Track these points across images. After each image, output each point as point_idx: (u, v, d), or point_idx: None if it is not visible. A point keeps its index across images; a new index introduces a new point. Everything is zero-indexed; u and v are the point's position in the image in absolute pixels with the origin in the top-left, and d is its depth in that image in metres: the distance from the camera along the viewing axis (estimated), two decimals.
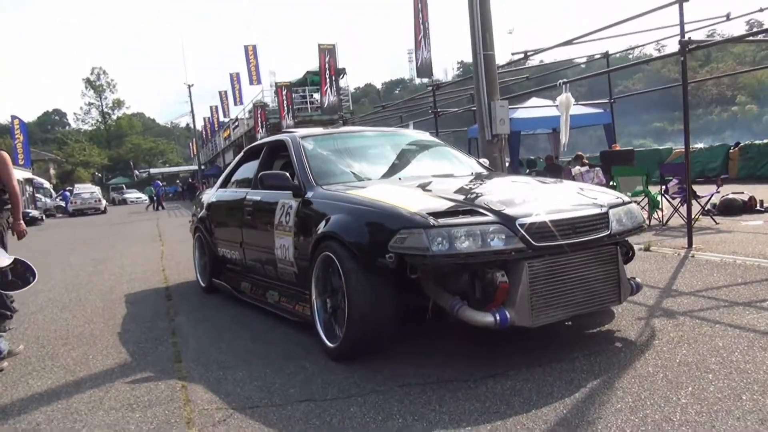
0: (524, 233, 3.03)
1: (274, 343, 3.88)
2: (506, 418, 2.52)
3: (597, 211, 3.33)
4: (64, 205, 35.02)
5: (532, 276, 3.03)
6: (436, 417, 2.57)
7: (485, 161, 5.31)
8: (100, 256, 10.21)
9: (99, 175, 62.01)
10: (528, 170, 12.47)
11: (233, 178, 5.83)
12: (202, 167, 48.07)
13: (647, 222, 8.53)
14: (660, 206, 8.57)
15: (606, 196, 3.67)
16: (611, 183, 9.02)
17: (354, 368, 3.25)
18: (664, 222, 8.41)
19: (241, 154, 5.87)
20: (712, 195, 8.57)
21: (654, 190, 8.86)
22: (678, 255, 6.09)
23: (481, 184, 3.98)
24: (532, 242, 3.03)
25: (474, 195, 3.42)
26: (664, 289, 4.63)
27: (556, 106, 10.51)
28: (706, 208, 8.40)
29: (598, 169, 8.10)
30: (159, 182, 36.06)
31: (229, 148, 38.98)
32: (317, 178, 4.14)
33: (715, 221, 8.16)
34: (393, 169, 4.46)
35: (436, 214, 3.07)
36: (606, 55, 12.28)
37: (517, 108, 12.60)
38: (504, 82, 12.26)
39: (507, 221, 3.06)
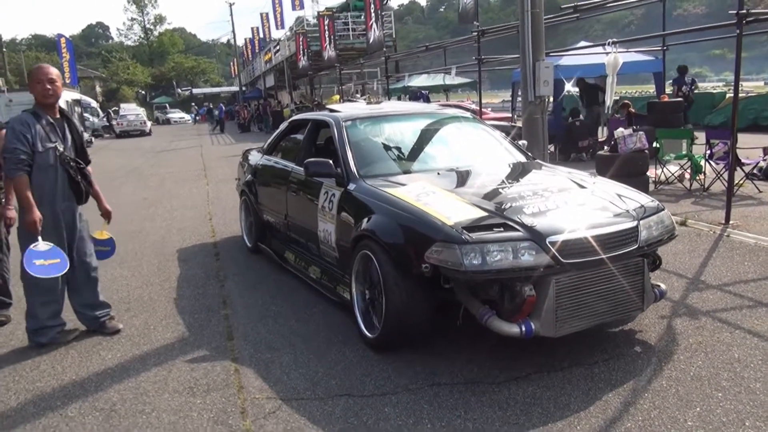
0: (553, 250, 3.20)
1: (316, 324, 4.22)
2: (524, 430, 2.80)
3: (627, 226, 3.46)
4: (110, 125, 35.96)
5: (558, 290, 3.23)
6: (462, 424, 2.88)
7: (524, 143, 5.39)
8: (150, 196, 10.73)
9: (143, 93, 62.81)
10: (571, 118, 12.26)
11: (279, 146, 6.05)
12: (243, 89, 48.23)
13: (689, 185, 8.51)
14: (703, 171, 8.47)
15: (639, 200, 3.77)
16: (654, 145, 8.91)
17: (389, 360, 3.57)
18: (706, 187, 8.34)
19: (287, 124, 6.06)
20: (757, 163, 8.42)
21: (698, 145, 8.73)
22: (713, 233, 6.14)
23: (516, 183, 4.11)
24: (561, 259, 3.21)
25: (508, 203, 3.57)
26: (692, 280, 4.77)
27: (607, 53, 10.26)
28: (750, 173, 8.28)
29: (641, 133, 7.98)
30: (222, 105, 36.94)
31: (270, 72, 38.90)
32: (359, 167, 4.33)
33: (758, 188, 8.06)
34: (432, 158, 4.62)
35: (471, 228, 3.26)
36: None
37: (563, 54, 12.27)
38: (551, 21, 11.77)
39: (537, 238, 3.23)
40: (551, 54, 11.11)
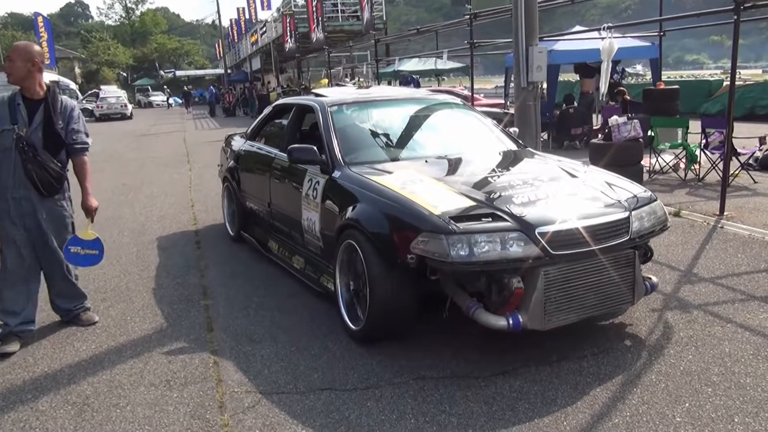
0: (543, 242, 3.19)
1: (299, 316, 4.20)
2: (510, 426, 2.81)
3: (618, 217, 3.46)
4: (91, 109, 35.56)
5: (547, 282, 3.23)
6: (446, 420, 2.88)
7: (515, 131, 5.38)
8: (130, 182, 10.62)
9: (124, 75, 62.12)
10: (565, 105, 12.26)
11: (263, 132, 6.00)
12: (229, 71, 47.82)
13: (684, 175, 8.54)
14: (698, 160, 8.51)
15: (631, 190, 3.77)
16: (649, 133, 8.93)
17: (373, 353, 3.56)
18: (701, 177, 8.38)
19: (270, 108, 6.01)
20: (753, 153, 8.47)
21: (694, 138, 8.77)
22: (707, 224, 6.17)
23: (506, 172, 4.10)
24: (550, 251, 3.20)
25: (497, 193, 3.56)
26: (685, 272, 4.79)
27: (602, 38, 10.26)
28: (746, 164, 8.32)
29: (636, 121, 7.98)
30: (213, 88, 36.95)
31: (256, 54, 38.54)
32: (345, 154, 4.29)
33: (753, 179, 8.11)
34: (420, 146, 4.60)
35: (458, 218, 3.25)
36: None
37: (558, 39, 12.25)
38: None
39: (527, 228, 3.22)
40: (545, 39, 11.11)
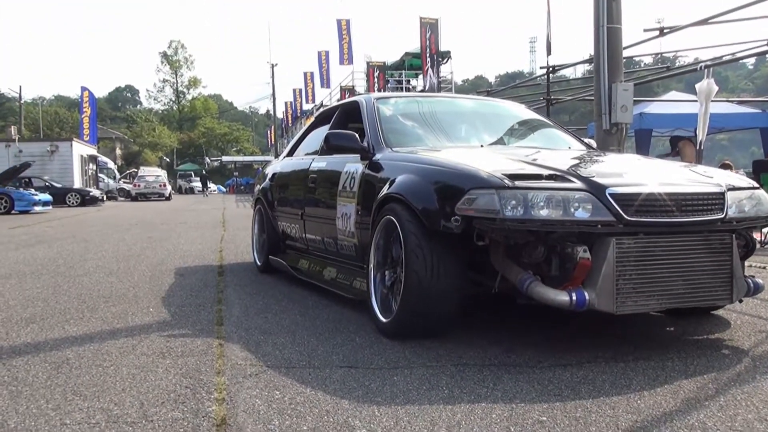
0: (615, 204, 3.07)
1: (324, 318, 4.12)
2: (567, 400, 2.58)
3: (710, 189, 3.32)
4: (127, 189, 37.59)
5: (620, 255, 3.05)
6: (488, 393, 2.68)
7: (593, 143, 5.33)
8: (156, 236, 10.94)
9: (167, 160, 65.67)
10: None
11: (301, 146, 6.17)
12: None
13: None
14: None
15: (728, 177, 3.64)
16: None
17: (407, 345, 3.40)
18: None
19: (314, 118, 6.20)
20: None
21: None
22: None
23: (577, 155, 4.04)
24: (624, 215, 3.06)
25: (565, 165, 3.48)
26: None
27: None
28: None
29: (742, 174, 7.82)
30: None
31: None
32: (388, 140, 4.34)
33: None
34: (477, 139, 4.61)
35: (514, 176, 3.18)
36: None
37: (652, 101, 12.34)
38: (635, 71, 11.97)
39: (596, 189, 3.12)
40: (636, 100, 11.21)
